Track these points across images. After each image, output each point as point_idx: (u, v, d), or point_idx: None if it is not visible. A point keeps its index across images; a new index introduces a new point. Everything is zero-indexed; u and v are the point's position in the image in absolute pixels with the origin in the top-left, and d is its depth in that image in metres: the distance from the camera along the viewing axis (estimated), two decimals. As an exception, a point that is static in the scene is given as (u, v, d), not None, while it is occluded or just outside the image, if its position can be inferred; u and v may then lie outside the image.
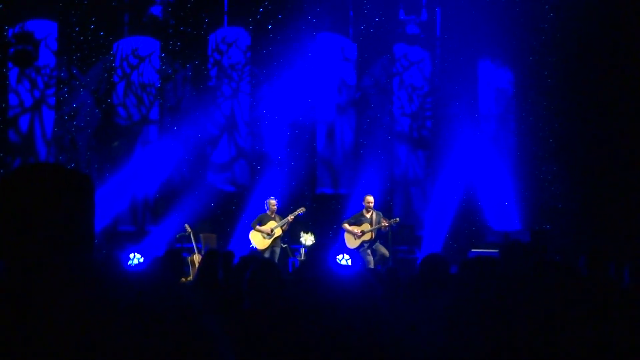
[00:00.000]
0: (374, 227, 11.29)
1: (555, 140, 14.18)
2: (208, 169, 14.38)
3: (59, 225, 1.45)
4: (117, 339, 1.30)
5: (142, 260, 10.86)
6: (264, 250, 11.49)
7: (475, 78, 15.10)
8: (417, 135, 15.22)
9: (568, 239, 12.85)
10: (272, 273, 3.84)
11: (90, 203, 1.53)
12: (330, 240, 12.81)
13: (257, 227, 11.62)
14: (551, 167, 14.20)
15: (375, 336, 2.55)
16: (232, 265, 5.92)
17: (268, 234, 11.58)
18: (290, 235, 12.83)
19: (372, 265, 10.88)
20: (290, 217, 11.68)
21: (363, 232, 11.31)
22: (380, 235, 11.50)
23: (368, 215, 11.43)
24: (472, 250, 11.53)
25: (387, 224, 11.29)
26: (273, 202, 11.81)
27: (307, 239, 12.70)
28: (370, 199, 11.53)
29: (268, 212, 11.76)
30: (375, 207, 11.61)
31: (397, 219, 11.82)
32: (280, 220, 11.67)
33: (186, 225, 12.01)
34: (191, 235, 11.82)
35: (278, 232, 11.62)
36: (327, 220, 13.85)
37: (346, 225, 11.51)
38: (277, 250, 11.70)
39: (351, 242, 11.39)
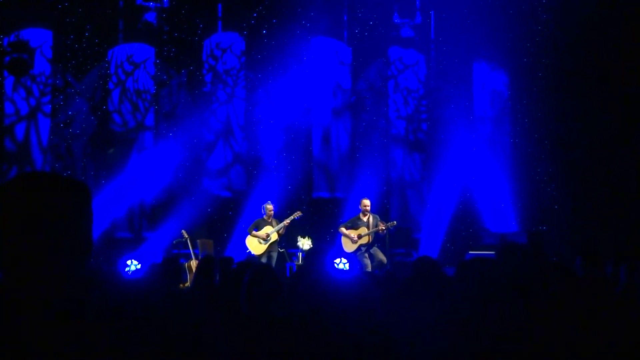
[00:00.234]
0: (371, 230, 11.29)
1: (550, 141, 14.19)
2: (204, 175, 14.37)
3: (57, 234, 1.45)
4: (115, 346, 1.31)
5: (139, 267, 10.84)
6: (260, 256, 11.48)
7: (470, 80, 15.11)
8: (413, 138, 15.23)
9: (564, 240, 12.87)
10: (269, 278, 3.84)
11: (88, 211, 1.54)
12: (327, 244, 12.80)
13: (253, 232, 11.62)
14: (547, 168, 14.21)
15: (373, 340, 2.56)
16: (230, 270, 5.91)
17: (264, 239, 11.56)
18: (287, 240, 12.82)
19: (369, 269, 10.87)
20: (287, 222, 11.67)
21: (360, 236, 11.31)
22: (377, 238, 11.50)
23: (365, 219, 11.43)
24: (470, 252, 11.53)
25: (384, 228, 11.29)
26: (270, 206, 11.81)
27: (305, 243, 12.69)
28: (366, 202, 11.52)
29: (265, 217, 11.75)
30: (372, 211, 11.61)
31: (394, 222, 11.81)
32: (277, 224, 11.66)
33: (183, 232, 12.00)
34: (188, 241, 11.80)
35: (274, 237, 11.61)
36: (324, 224, 13.84)
37: (343, 229, 11.51)
38: (274, 255, 11.68)
39: (348, 246, 11.39)
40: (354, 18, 14.89)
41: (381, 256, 11.25)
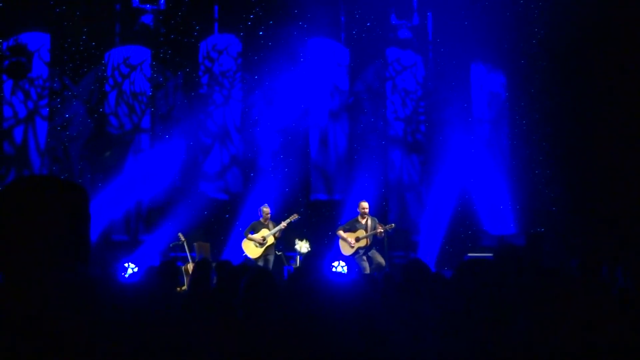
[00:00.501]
0: (369, 233, 11.27)
1: (548, 143, 14.21)
2: (200, 178, 14.36)
3: (56, 237, 1.48)
4: (112, 349, 1.30)
5: (136, 270, 10.82)
6: (257, 259, 11.44)
7: (468, 82, 15.12)
8: (411, 140, 15.22)
9: (562, 242, 12.87)
10: (266, 281, 3.82)
11: (85, 214, 1.57)
12: (325, 247, 12.78)
13: (250, 235, 11.59)
14: (545, 170, 14.22)
15: (371, 344, 2.53)
16: (227, 273, 5.89)
17: (260, 243, 11.53)
18: (285, 243, 12.81)
19: (368, 272, 10.85)
20: (284, 224, 11.64)
21: (358, 239, 11.28)
22: (376, 241, 11.47)
23: (363, 222, 11.40)
24: (468, 254, 11.53)
25: (382, 230, 11.26)
26: (266, 209, 11.78)
27: (302, 246, 12.67)
28: (365, 205, 11.49)
29: (261, 220, 11.73)
30: (370, 213, 11.58)
31: (393, 224, 11.79)
32: (274, 227, 11.63)
33: (180, 234, 11.98)
34: (185, 244, 11.79)
35: (270, 240, 11.57)
36: (322, 226, 13.82)
37: (341, 233, 11.47)
38: (271, 258, 11.64)
39: (346, 250, 11.36)
40: (351, 19, 14.89)
41: (380, 259, 11.23)
